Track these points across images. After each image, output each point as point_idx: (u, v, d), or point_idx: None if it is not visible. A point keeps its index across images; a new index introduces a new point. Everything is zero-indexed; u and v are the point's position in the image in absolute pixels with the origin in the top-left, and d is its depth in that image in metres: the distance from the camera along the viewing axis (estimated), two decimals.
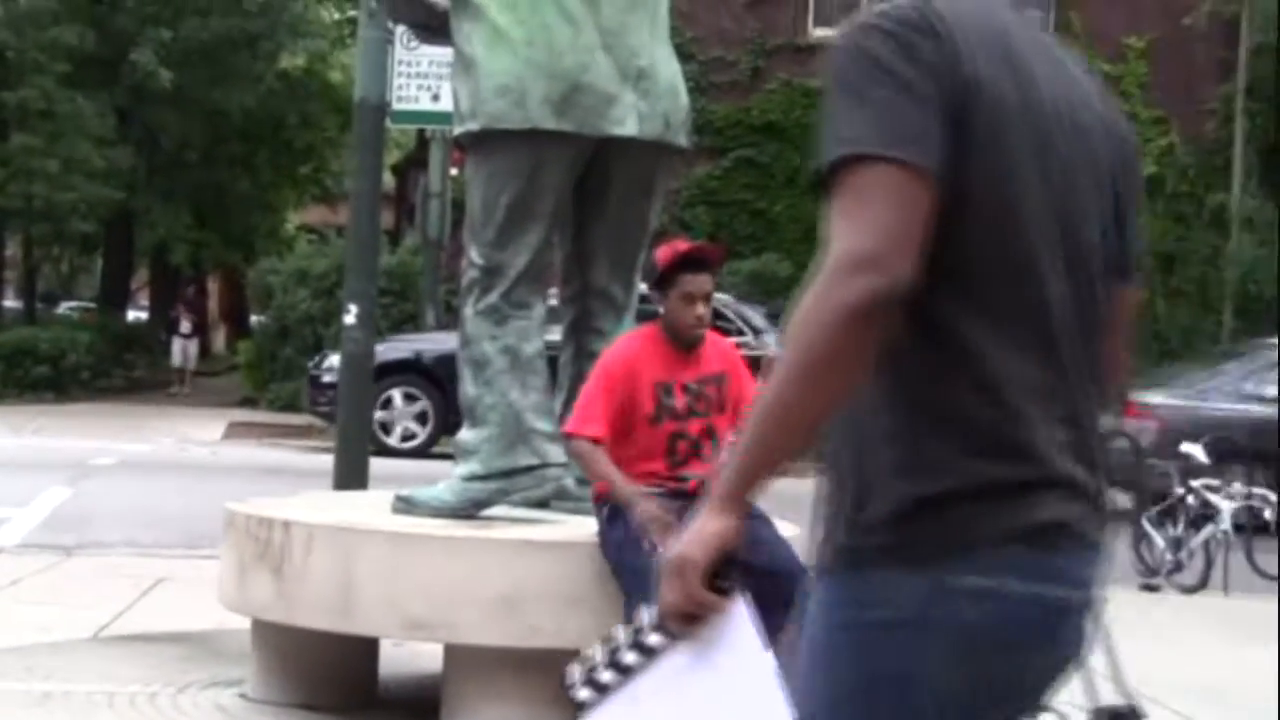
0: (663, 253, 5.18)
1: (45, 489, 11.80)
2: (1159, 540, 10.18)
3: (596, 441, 4.98)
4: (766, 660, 1.86)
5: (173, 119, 27.67)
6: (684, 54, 8.35)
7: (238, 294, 39.65)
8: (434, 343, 16.76)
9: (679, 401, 5.08)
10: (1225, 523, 10.03)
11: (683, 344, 5.10)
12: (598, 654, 1.94)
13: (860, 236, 1.78)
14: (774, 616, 4.84)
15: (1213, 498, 10.12)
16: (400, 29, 11.95)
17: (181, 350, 28.54)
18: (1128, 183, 1.99)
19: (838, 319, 1.76)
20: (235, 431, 19.64)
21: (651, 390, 5.04)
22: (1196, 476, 10.23)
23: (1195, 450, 10.50)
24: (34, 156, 24.99)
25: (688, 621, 1.87)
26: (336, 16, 32.08)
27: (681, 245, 5.22)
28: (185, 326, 28.74)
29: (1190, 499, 10.14)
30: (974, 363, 1.81)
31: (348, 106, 14.87)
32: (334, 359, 19.37)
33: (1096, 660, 3.61)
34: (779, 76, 24.22)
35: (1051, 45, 1.99)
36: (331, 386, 18.66)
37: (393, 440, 16.39)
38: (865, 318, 1.76)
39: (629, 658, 1.91)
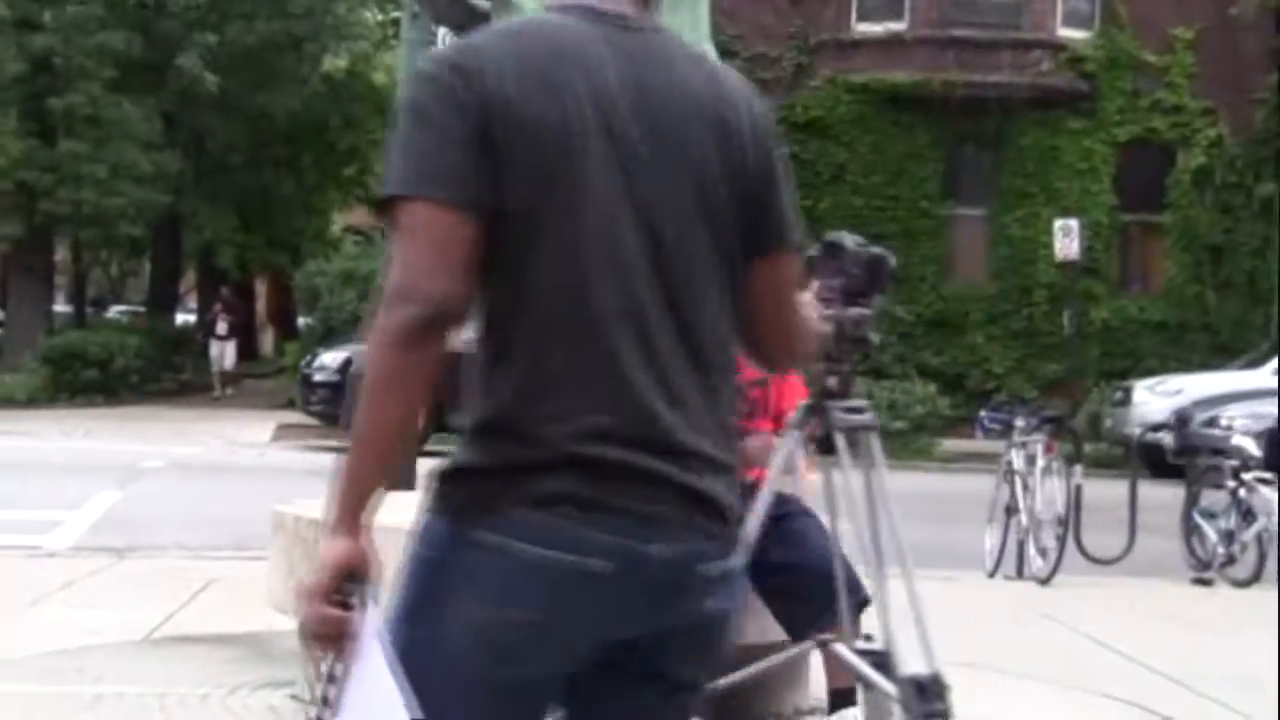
0: None
1: (96, 492, 11.89)
2: (1211, 533, 10.10)
3: None
4: (382, 667, 1.97)
5: (218, 123, 27.83)
6: (726, 51, 8.36)
7: (284, 296, 39.83)
8: None
9: None
10: (1278, 516, 9.94)
11: None
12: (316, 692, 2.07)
13: (401, 270, 2.01)
14: (809, 613, 4.84)
15: (1265, 490, 10.03)
16: (442, 30, 11.97)
17: (219, 352, 28.51)
18: (757, 164, 2.15)
19: (385, 347, 2.00)
20: (283, 433, 19.75)
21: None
22: (1248, 469, 10.14)
23: (1247, 443, 10.42)
24: (82, 162, 25.20)
25: (328, 642, 2.02)
26: (379, 18, 32.17)
27: None
28: (221, 328, 28.56)
29: (1242, 492, 10.06)
30: (509, 360, 2.05)
31: (391, 108, 14.92)
32: (325, 358, 19.48)
33: (903, 631, 3.60)
34: (822, 73, 24.14)
35: (651, 48, 2.13)
36: (324, 386, 18.70)
37: None
38: (407, 344, 1.99)
39: (330, 691, 2.03)
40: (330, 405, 18.08)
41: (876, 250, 3.52)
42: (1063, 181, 23.94)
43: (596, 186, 2.05)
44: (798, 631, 4.90)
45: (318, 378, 18.58)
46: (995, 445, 12.16)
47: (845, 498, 3.56)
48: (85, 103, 25.42)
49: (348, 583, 2.01)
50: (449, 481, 2.08)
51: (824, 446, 3.46)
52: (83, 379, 24.54)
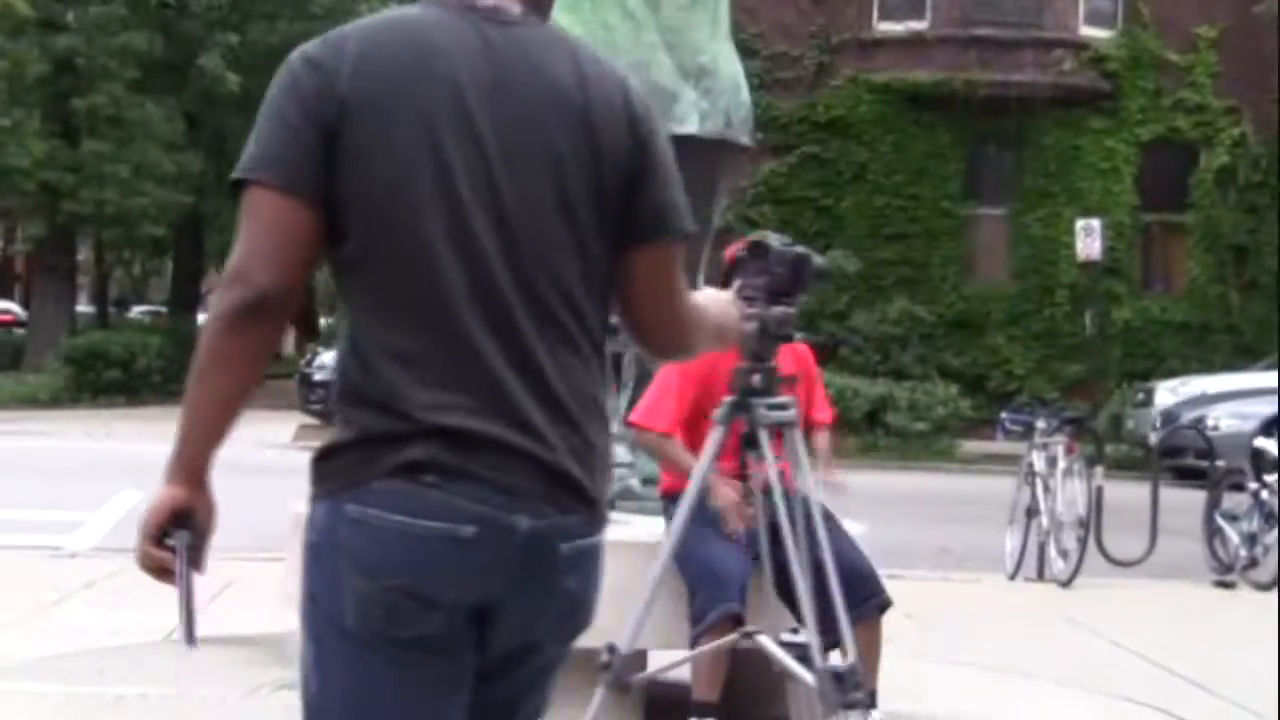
0: (730, 250, 5.16)
1: (117, 492, 11.91)
2: (1233, 536, 10.05)
3: (664, 435, 4.99)
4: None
5: (240, 123, 27.85)
6: (748, 50, 8.33)
7: (306, 297, 39.95)
8: None
9: None
10: None
11: None
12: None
13: (237, 254, 2.14)
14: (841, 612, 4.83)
15: None
16: None
17: None
18: (628, 155, 2.19)
19: (215, 327, 2.12)
20: (304, 434, 19.77)
21: (724, 386, 5.02)
22: (1271, 472, 10.09)
23: (1270, 445, 10.37)
24: (104, 162, 25.28)
25: (155, 575, 2.20)
26: None
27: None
28: None
29: (1265, 495, 10.01)
30: (360, 339, 2.15)
31: None
32: (325, 357, 19.32)
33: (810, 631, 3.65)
34: (844, 72, 24.11)
35: (522, 42, 2.20)
36: (322, 385, 18.56)
37: None
38: (235, 325, 2.10)
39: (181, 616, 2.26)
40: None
41: (800, 250, 3.55)
42: (1085, 181, 23.86)
43: (447, 178, 2.12)
44: (834, 632, 4.89)
45: (318, 377, 18.51)
46: (1017, 447, 12.12)
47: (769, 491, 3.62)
48: (108, 103, 25.50)
49: (173, 526, 2.16)
50: (322, 462, 2.17)
51: (749, 442, 3.51)
52: (105, 379, 24.61)
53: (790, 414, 3.50)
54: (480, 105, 2.14)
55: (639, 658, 3.81)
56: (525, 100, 2.16)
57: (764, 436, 3.45)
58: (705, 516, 4.98)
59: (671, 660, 4.31)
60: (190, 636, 2.21)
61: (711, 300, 2.48)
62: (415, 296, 2.13)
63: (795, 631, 3.37)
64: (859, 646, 4.88)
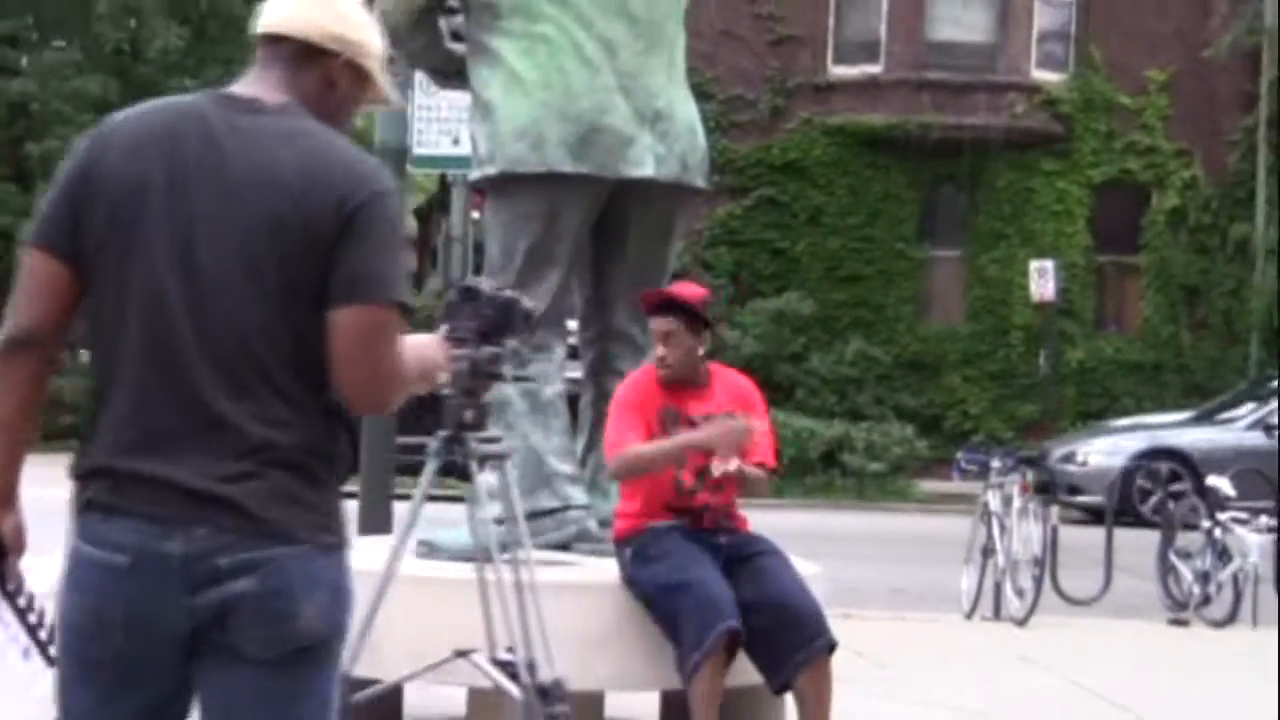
0: (644, 296, 5.28)
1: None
2: (1187, 574, 10.11)
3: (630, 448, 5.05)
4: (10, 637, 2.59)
5: None
6: (704, 94, 8.38)
7: None
8: None
9: (684, 430, 5.08)
10: (1254, 556, 9.96)
11: (679, 381, 5.12)
12: None
13: (11, 301, 2.57)
14: (786, 652, 4.87)
15: (1240, 531, 10.06)
16: (419, 74, 12.02)
17: None
18: (330, 230, 2.50)
19: None
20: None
21: (659, 416, 5.10)
22: (1223, 510, 10.17)
23: (1221, 483, 10.45)
24: None
25: None
26: None
27: (668, 289, 5.28)
28: None
29: (1218, 532, 10.08)
30: (90, 384, 2.59)
31: (369, 151, 14.94)
32: None
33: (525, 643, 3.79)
34: (800, 115, 24.25)
35: (263, 129, 2.55)
36: None
37: None
38: (5, 358, 2.54)
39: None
40: None
41: (509, 294, 3.85)
42: (1038, 223, 24.05)
43: (150, 240, 2.51)
44: (776, 668, 4.92)
45: None
46: (973, 486, 12.18)
47: (483, 527, 3.87)
48: (62, 148, 25.39)
49: None
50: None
51: (462, 474, 3.75)
52: (59, 425, 24.40)
53: (501, 447, 3.75)
54: (197, 181, 2.52)
55: (360, 684, 3.96)
56: (239, 179, 2.51)
57: (475, 468, 3.68)
58: (662, 548, 5.00)
59: (401, 678, 4.33)
60: (45, 656, 2.58)
61: (415, 345, 2.72)
62: (110, 345, 2.54)
63: (510, 651, 3.58)
64: (808, 689, 4.92)
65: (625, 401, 5.14)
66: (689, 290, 5.24)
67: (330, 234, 2.50)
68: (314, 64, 2.63)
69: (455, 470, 3.91)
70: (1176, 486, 15.73)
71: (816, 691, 4.94)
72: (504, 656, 3.53)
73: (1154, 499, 16.73)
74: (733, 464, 4.92)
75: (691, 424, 5.10)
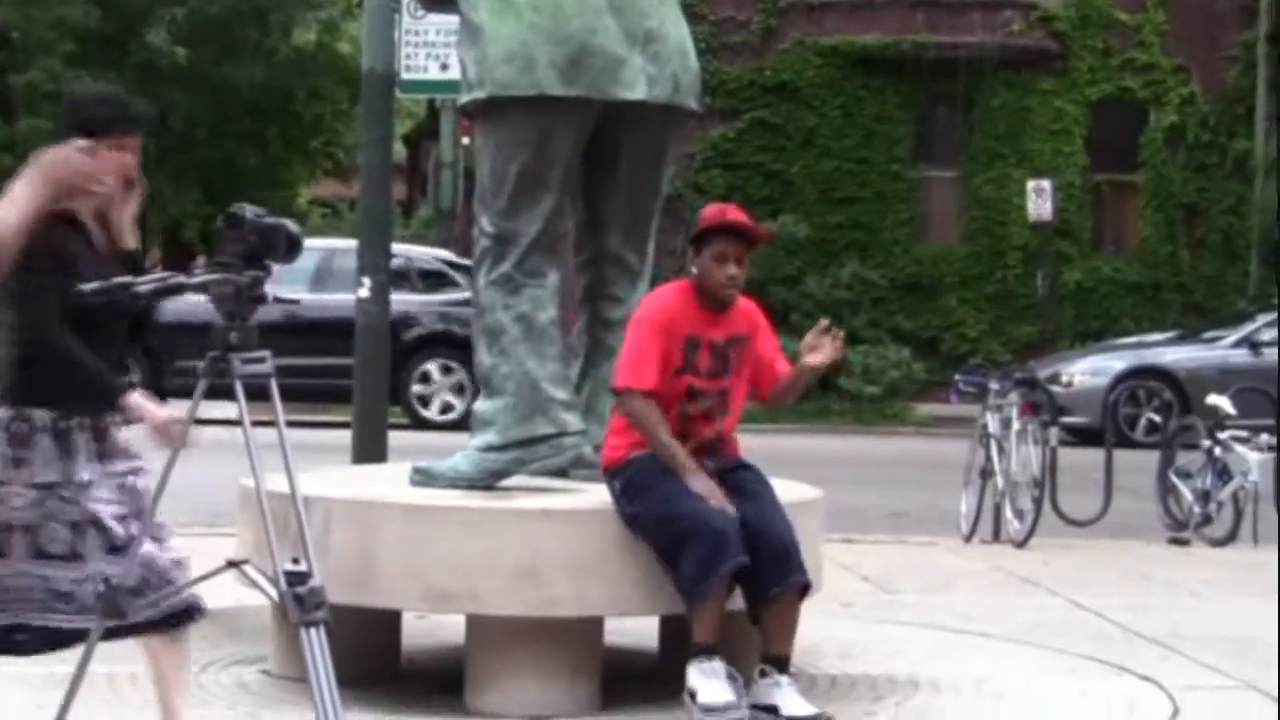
0: (709, 213, 5.17)
1: None
2: (1186, 493, 10.09)
3: (649, 394, 5.01)
4: None
5: (181, 97, 27.56)
6: (695, 15, 8.26)
7: None
8: None
9: (703, 360, 5.09)
10: (1254, 474, 9.93)
11: (714, 303, 5.10)
12: None
13: None
14: (761, 585, 4.89)
15: (1240, 449, 10.02)
16: None
17: None
18: None
19: None
20: (254, 408, 19.59)
21: (682, 343, 5.06)
22: (1223, 428, 10.13)
23: (1222, 402, 10.40)
24: (43, 138, 24.92)
25: None
26: None
27: (731, 212, 5.18)
28: None
29: (1217, 451, 10.05)
30: None
31: (357, 78, 14.78)
32: None
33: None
34: (792, 36, 24.03)
35: None
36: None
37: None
38: None
39: None
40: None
41: (273, 220, 3.93)
42: (1034, 142, 23.90)
43: None
44: (749, 598, 4.91)
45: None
46: (969, 409, 12.14)
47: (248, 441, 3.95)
48: (46, 78, 25.15)
49: None
50: None
51: (228, 394, 3.91)
52: None
53: (266, 367, 3.88)
54: None
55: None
56: None
57: (239, 388, 3.84)
58: (652, 478, 4.97)
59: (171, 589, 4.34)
60: None
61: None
62: None
63: (296, 562, 3.66)
64: (772, 623, 4.92)
65: (651, 322, 5.08)
66: (758, 230, 5.25)
67: None
68: None
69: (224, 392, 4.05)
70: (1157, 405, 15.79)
71: (780, 626, 4.94)
72: (290, 567, 3.66)
73: (1141, 421, 16.78)
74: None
75: (711, 349, 5.08)
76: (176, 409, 4.24)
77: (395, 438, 9.17)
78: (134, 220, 4.26)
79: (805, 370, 5.16)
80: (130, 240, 4.24)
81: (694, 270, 5.12)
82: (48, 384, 4.02)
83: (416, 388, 16.67)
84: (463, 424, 15.65)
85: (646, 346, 5.04)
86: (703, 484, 4.94)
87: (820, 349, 5.11)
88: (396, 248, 16.44)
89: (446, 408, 16.77)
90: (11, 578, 4.03)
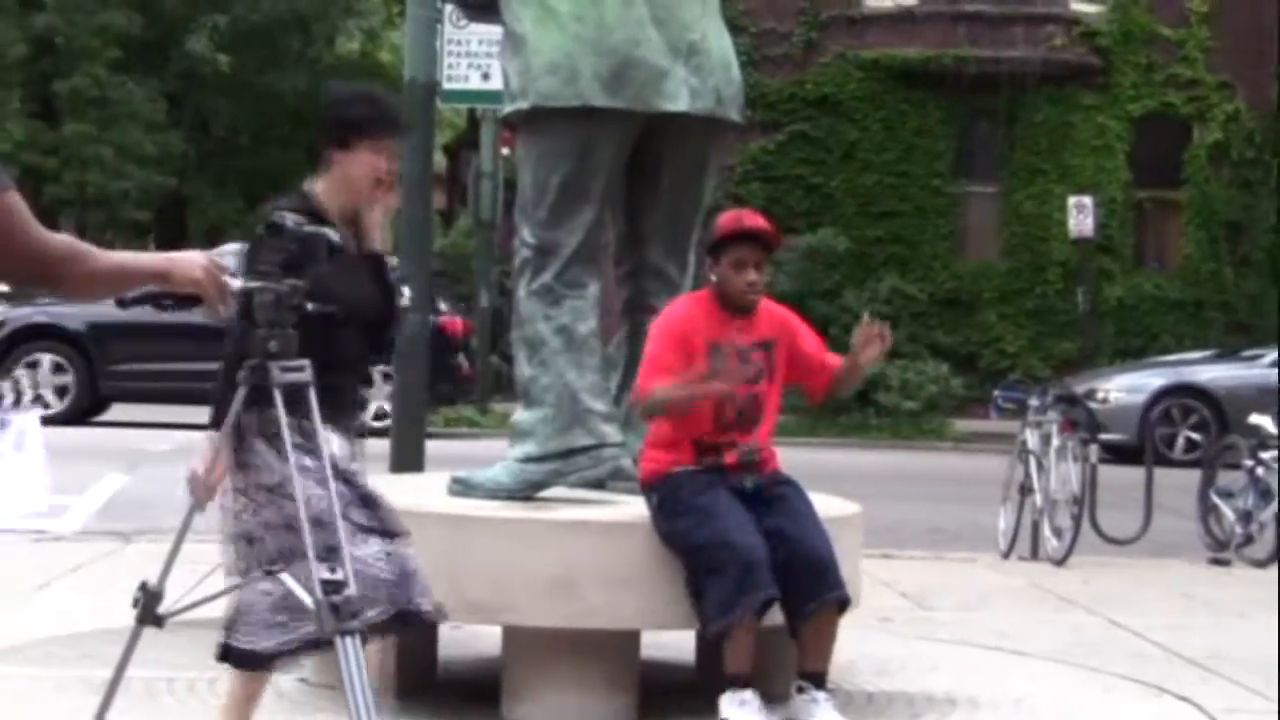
0: (725, 220, 5.15)
1: (103, 476, 11.85)
2: (1228, 513, 10.01)
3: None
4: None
5: (223, 103, 27.75)
6: (736, 27, 8.24)
7: None
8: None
9: (730, 364, 5.07)
10: None
11: (736, 309, 5.09)
12: None
13: None
14: (798, 599, 4.87)
15: None
16: (449, 8, 11.89)
17: None
18: None
19: None
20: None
21: (705, 349, 5.05)
22: (1266, 448, 10.04)
23: (1265, 421, 10.32)
24: (87, 144, 25.10)
25: None
26: None
27: (748, 218, 5.16)
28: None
29: (1260, 471, 9.96)
30: None
31: (398, 87, 14.81)
32: None
33: None
34: (833, 49, 24.00)
35: None
36: None
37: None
38: None
39: None
40: None
41: (312, 229, 3.91)
42: (1076, 158, 23.79)
43: None
44: (788, 613, 4.89)
45: None
46: (1006, 425, 12.08)
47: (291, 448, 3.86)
48: (90, 84, 25.34)
49: None
50: None
51: (266, 400, 3.86)
52: None
53: (304, 376, 3.81)
54: None
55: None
56: None
57: (278, 396, 3.78)
58: (690, 498, 4.95)
59: (208, 596, 4.34)
60: None
61: (171, 258, 3.04)
62: None
63: (333, 570, 3.65)
64: (809, 637, 4.89)
65: (668, 331, 5.08)
66: (772, 231, 5.20)
67: None
68: None
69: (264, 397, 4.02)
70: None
71: (817, 642, 4.92)
72: (326, 576, 3.65)
73: (1179, 439, 16.67)
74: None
75: (737, 354, 5.05)
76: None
77: (433, 447, 9.18)
78: (384, 223, 4.15)
79: (858, 363, 5.13)
80: (378, 243, 4.13)
81: (713, 279, 5.11)
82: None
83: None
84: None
85: (661, 353, 5.03)
86: (718, 389, 4.92)
87: (870, 345, 5.10)
88: None
89: (380, 414, 16.66)
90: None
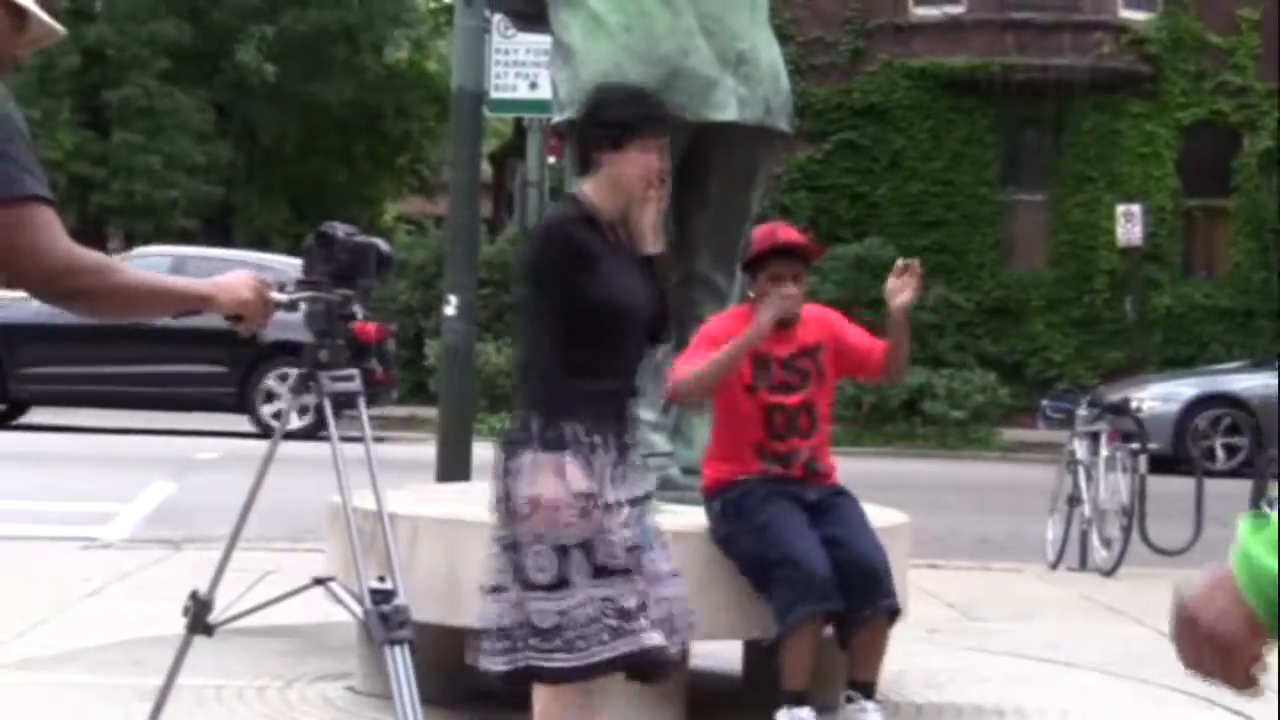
0: (759, 236, 5.14)
1: (151, 483, 11.92)
2: None
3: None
4: None
5: (271, 113, 27.90)
6: (782, 36, 8.24)
7: None
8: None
9: (775, 375, 5.07)
10: None
11: (778, 322, 5.06)
12: None
13: None
14: (851, 608, 4.84)
15: None
16: (497, 17, 11.93)
17: None
18: None
19: None
20: (340, 424, 19.71)
21: (749, 360, 5.01)
22: None
23: None
24: (135, 153, 25.29)
25: None
26: (432, 5, 32.18)
27: (782, 232, 5.14)
28: None
29: None
30: None
31: (445, 96, 14.87)
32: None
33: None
34: (880, 57, 23.95)
35: None
36: None
37: None
38: None
39: None
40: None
41: (364, 239, 3.92)
42: (1125, 166, 23.66)
43: None
44: (839, 622, 4.87)
45: None
46: (1053, 435, 12.01)
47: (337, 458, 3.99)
48: (140, 94, 25.52)
49: None
50: None
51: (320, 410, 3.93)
52: None
53: (354, 385, 3.86)
54: None
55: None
56: None
57: (328, 405, 3.85)
58: (754, 507, 4.94)
59: (257, 604, 4.33)
60: None
61: (216, 283, 3.08)
62: None
63: (382, 580, 3.65)
64: (859, 646, 4.87)
65: (707, 337, 5.08)
66: (808, 244, 5.18)
67: None
68: None
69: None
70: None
71: (868, 650, 4.91)
72: (375, 585, 3.65)
73: (1218, 448, 16.55)
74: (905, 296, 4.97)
75: (781, 365, 5.06)
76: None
77: (480, 454, 9.20)
78: (657, 224, 3.93)
79: (897, 316, 5.03)
80: (650, 244, 3.89)
81: (751, 294, 5.10)
82: (573, 396, 3.73)
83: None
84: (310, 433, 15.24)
85: (694, 351, 5.02)
86: (768, 313, 4.87)
87: (903, 289, 5.00)
88: (276, 260, 16.39)
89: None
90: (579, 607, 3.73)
